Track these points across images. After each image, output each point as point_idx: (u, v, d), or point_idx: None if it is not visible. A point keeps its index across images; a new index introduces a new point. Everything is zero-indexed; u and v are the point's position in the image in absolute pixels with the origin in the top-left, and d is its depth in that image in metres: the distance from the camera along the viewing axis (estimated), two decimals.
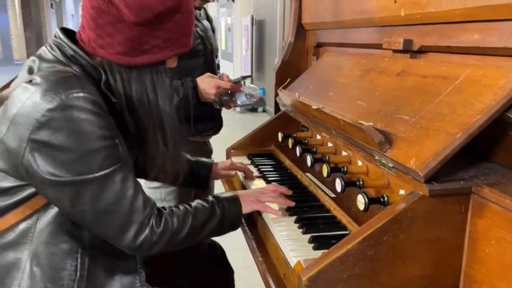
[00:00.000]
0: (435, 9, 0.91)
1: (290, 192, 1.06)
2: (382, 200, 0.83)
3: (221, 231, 0.96)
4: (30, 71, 0.85)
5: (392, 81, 0.99)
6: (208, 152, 1.78)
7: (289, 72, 1.76)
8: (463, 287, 0.75)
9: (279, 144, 1.47)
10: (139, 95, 0.88)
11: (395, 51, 1.08)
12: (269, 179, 1.24)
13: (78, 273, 0.85)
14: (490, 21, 0.79)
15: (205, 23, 1.73)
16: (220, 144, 1.89)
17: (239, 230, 1.04)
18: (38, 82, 0.78)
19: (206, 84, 1.47)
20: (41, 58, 0.86)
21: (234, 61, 8.65)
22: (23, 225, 0.83)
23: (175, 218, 0.88)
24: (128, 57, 0.84)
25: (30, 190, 0.82)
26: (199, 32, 1.61)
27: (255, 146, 1.54)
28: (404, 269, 0.73)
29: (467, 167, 0.76)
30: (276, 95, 1.62)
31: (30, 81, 0.80)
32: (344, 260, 0.70)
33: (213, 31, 1.83)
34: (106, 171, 0.79)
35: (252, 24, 7.19)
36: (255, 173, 1.29)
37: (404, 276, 0.74)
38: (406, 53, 1.05)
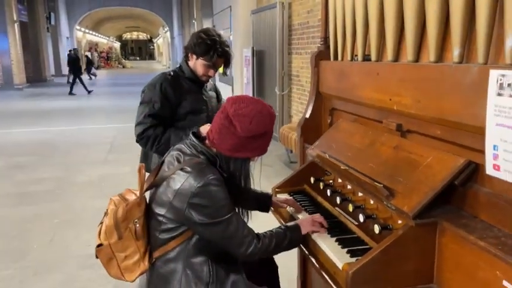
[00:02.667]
0: (415, 112, 1.53)
1: (326, 223, 1.66)
2: (388, 227, 1.44)
3: (290, 247, 1.59)
4: (178, 161, 1.49)
5: (391, 152, 1.61)
6: None
7: (310, 126, 2.39)
8: (435, 275, 1.35)
9: (311, 185, 2.08)
10: (234, 172, 1.52)
11: (391, 129, 1.71)
12: (309, 211, 1.85)
13: (210, 273, 1.48)
14: (445, 126, 1.42)
15: (211, 93, 2.59)
16: None
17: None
18: (189, 171, 1.43)
19: (205, 130, 2.15)
20: (183, 153, 1.51)
21: (235, 88, 9.34)
22: (178, 248, 1.47)
23: (267, 238, 1.51)
24: (231, 152, 1.48)
25: (183, 228, 1.46)
26: (205, 98, 2.52)
27: (293, 186, 2.15)
28: (404, 265, 1.34)
29: (437, 208, 1.37)
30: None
31: (182, 169, 1.44)
32: (371, 262, 1.31)
33: (219, 99, 2.69)
34: (229, 215, 1.44)
35: (253, 55, 7.85)
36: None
37: (404, 270, 1.34)
38: (398, 131, 1.68)
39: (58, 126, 9.50)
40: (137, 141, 2.40)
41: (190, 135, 1.58)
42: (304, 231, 1.60)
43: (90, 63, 25.08)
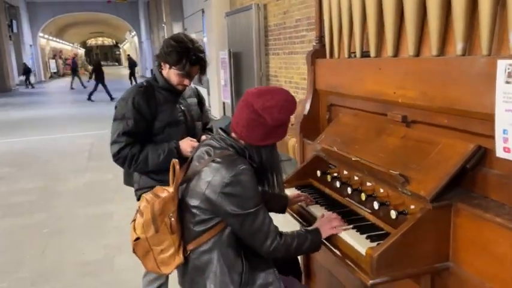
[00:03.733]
0: (421, 103, 1.62)
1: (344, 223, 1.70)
2: (404, 212, 1.53)
3: (311, 249, 1.65)
4: (209, 154, 1.54)
5: (399, 142, 1.70)
6: None
7: (309, 123, 2.47)
8: (451, 254, 1.45)
9: (317, 178, 2.15)
10: (265, 160, 1.58)
11: (396, 121, 1.80)
12: (322, 204, 1.92)
13: (243, 263, 1.53)
14: (452, 114, 1.52)
15: (190, 100, 2.45)
16: None
17: None
18: (220, 162, 1.49)
19: (185, 145, 2.21)
20: (213, 147, 1.56)
21: (211, 90, 9.38)
22: (212, 240, 1.52)
23: (288, 237, 1.56)
24: (259, 141, 1.55)
25: (216, 220, 1.51)
26: (182, 108, 2.34)
27: (298, 180, 2.22)
28: (422, 246, 1.43)
29: (450, 191, 1.46)
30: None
31: (213, 161, 1.49)
32: (393, 244, 1.39)
33: (203, 104, 2.59)
34: (258, 207, 1.49)
35: (230, 57, 7.89)
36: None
37: (422, 250, 1.43)
38: (404, 123, 1.77)
39: (32, 136, 9.26)
40: (114, 161, 2.23)
41: (219, 130, 1.64)
42: (324, 235, 1.65)
43: (29, 71, 23.94)
